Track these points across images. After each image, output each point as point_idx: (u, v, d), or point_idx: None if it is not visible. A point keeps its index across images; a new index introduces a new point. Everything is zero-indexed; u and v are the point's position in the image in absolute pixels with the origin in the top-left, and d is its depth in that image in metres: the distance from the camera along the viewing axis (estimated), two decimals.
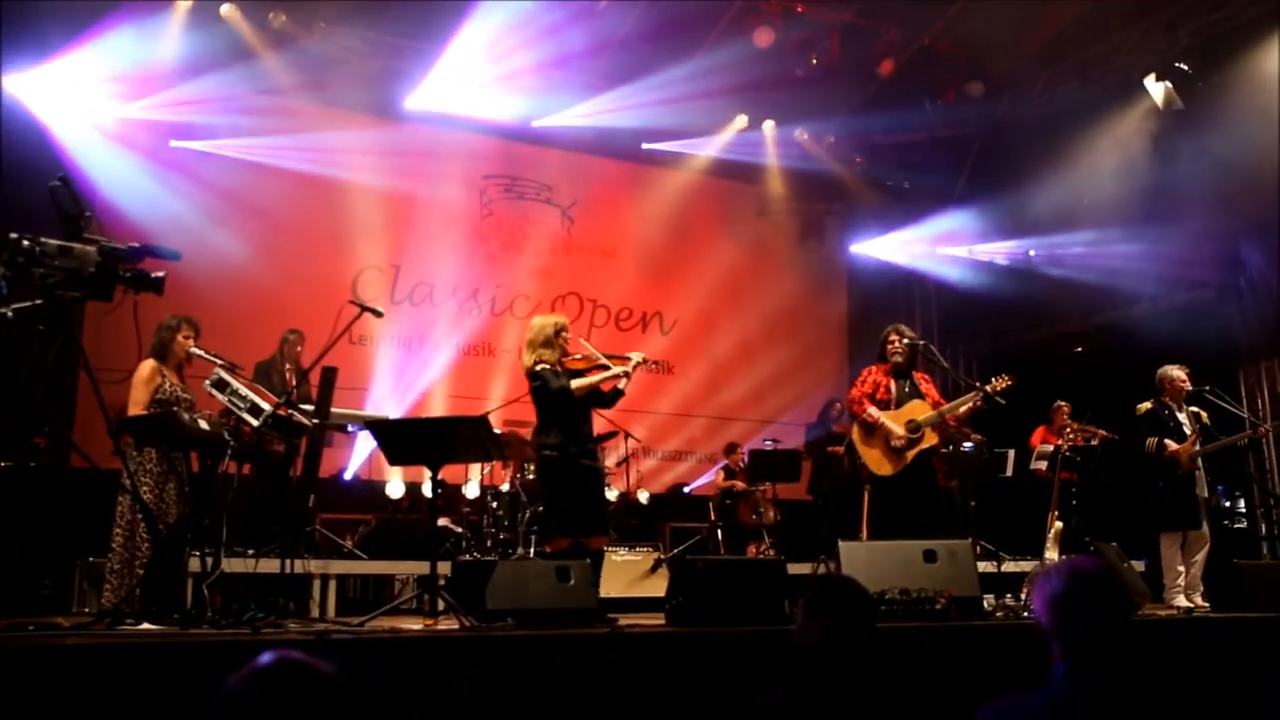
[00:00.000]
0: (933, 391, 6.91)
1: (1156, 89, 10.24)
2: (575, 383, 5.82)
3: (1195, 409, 7.56)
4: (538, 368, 5.85)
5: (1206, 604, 7.02)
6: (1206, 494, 7.42)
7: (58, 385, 4.43)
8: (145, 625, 4.60)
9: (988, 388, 6.72)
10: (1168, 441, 7.32)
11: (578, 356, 6.04)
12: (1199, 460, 7.35)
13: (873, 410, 6.62)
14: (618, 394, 6.02)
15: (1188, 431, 7.38)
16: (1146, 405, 7.58)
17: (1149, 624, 5.85)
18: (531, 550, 7.68)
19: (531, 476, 8.06)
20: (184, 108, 9.24)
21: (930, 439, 6.61)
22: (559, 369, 5.87)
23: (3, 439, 4.21)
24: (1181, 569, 7.24)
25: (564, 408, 5.87)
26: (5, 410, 4.25)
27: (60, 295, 4.26)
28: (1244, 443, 7.92)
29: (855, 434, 6.75)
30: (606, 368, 5.97)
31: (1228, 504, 8.76)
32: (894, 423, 6.58)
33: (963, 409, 6.77)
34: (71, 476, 7.03)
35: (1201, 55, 10.01)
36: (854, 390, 6.84)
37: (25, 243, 4.20)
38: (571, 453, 5.83)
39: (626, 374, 5.94)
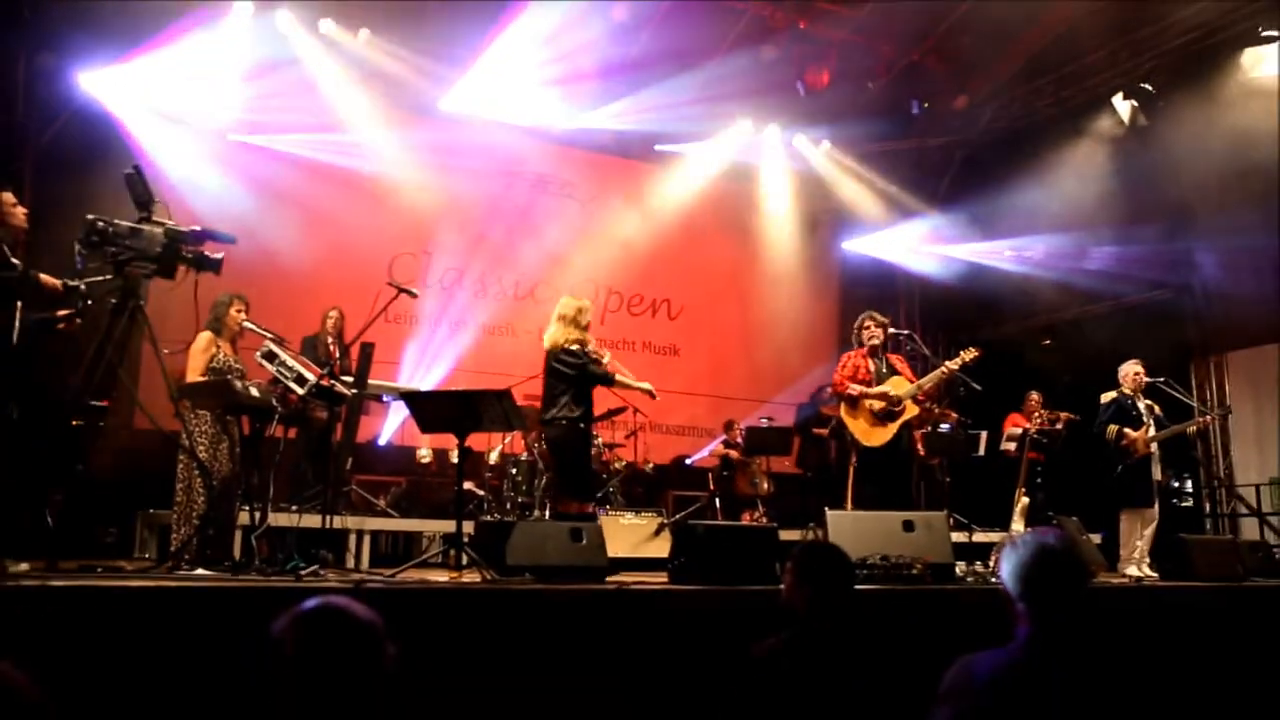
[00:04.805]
0: (906, 370, 6.90)
1: (1123, 106, 10.23)
2: (620, 379, 6.10)
3: (1149, 401, 7.58)
4: (576, 347, 5.96)
5: (1155, 574, 7.04)
6: (1159, 476, 7.45)
7: (125, 353, 4.44)
8: (200, 571, 4.65)
9: (956, 361, 6.71)
10: (1126, 430, 7.35)
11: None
12: (1153, 445, 7.37)
13: (854, 386, 6.65)
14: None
15: (1146, 420, 7.40)
16: (1111, 395, 7.58)
17: (1104, 591, 5.87)
18: (547, 513, 7.71)
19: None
20: (242, 106, 9.22)
21: (910, 411, 6.60)
22: (595, 354, 6.00)
23: (75, 401, 4.23)
24: (1137, 543, 7.26)
25: (589, 387, 6.01)
26: (79, 374, 4.28)
27: (130, 271, 4.29)
28: (1192, 430, 7.94)
29: (843, 411, 6.76)
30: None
31: (1176, 484, 8.77)
32: (879, 389, 6.59)
33: (931, 384, 6.75)
34: (136, 436, 7.09)
35: (1164, 76, 9.97)
36: (836, 374, 6.83)
37: (100, 224, 4.24)
38: (587, 424, 6.00)
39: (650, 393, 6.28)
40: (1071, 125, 10.79)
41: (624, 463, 9.18)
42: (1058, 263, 11.14)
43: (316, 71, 9.56)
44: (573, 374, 6.01)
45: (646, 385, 6.29)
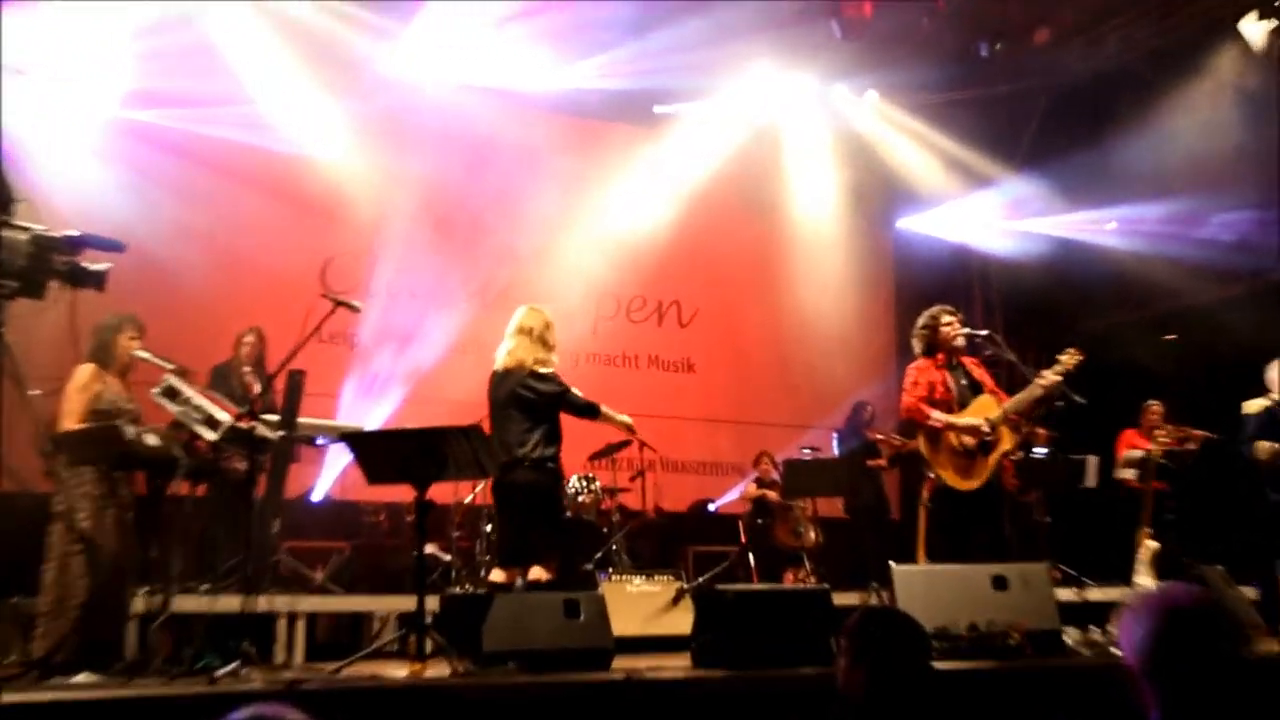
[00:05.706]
0: (987, 378, 6.78)
1: (1255, 31, 10.14)
2: (605, 410, 6.25)
3: None
4: (548, 370, 6.10)
5: None
6: None
7: None
8: (82, 676, 4.60)
9: (1056, 371, 6.49)
10: None
11: None
12: None
13: (938, 414, 6.43)
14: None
15: None
16: (1259, 404, 7.48)
17: (1264, 664, 5.77)
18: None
19: None
20: (129, 74, 9.20)
21: (1007, 440, 6.46)
22: None
23: None
24: None
25: (559, 419, 6.11)
26: None
27: None
28: None
29: (923, 446, 6.54)
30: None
31: None
32: (969, 419, 6.39)
33: (1026, 404, 6.56)
34: None
35: None
36: (906, 396, 6.60)
37: None
38: (558, 464, 6.15)
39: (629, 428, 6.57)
40: (1187, 60, 10.75)
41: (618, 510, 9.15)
42: (1176, 235, 11.08)
43: (221, 28, 9.57)
44: (543, 403, 6.04)
45: (626, 418, 6.38)
